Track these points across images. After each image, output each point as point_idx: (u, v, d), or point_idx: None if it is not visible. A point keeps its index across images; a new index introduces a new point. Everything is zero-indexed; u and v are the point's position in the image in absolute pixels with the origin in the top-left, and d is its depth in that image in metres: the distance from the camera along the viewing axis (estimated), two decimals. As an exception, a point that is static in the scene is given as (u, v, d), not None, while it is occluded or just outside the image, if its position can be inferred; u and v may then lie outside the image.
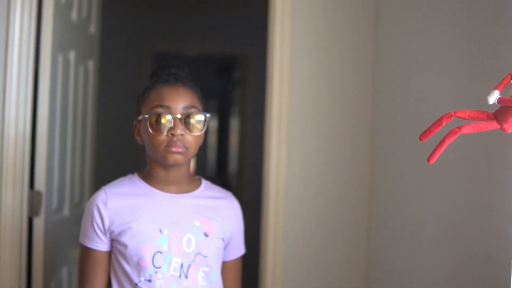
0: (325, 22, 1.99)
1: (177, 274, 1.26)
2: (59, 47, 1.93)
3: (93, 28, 2.37)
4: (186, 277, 1.27)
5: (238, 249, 1.42)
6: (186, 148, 1.26)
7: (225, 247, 1.38)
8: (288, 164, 1.96)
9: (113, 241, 1.29)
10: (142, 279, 1.24)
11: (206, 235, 1.30)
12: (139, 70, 3.81)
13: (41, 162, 1.84)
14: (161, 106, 1.26)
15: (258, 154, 2.42)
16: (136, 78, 3.73)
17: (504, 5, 1.13)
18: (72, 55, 2.09)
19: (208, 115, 1.30)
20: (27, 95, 1.80)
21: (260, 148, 2.18)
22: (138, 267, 1.25)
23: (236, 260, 1.42)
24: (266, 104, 2.03)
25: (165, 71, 1.35)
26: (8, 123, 1.76)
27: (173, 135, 1.24)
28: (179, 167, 1.30)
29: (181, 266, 1.26)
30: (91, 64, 2.35)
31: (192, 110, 1.28)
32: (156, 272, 1.24)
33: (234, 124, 5.55)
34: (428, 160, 0.79)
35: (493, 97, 0.75)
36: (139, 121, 1.31)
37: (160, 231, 1.26)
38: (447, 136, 0.78)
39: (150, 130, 1.25)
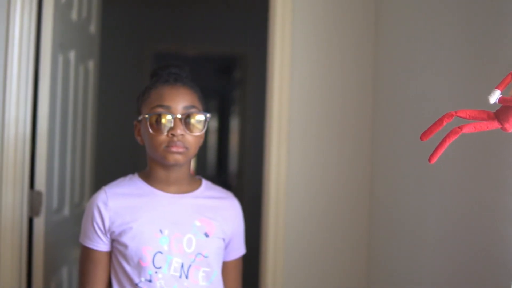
0: (326, 22, 1.99)
1: (178, 274, 1.26)
2: (59, 47, 1.93)
3: (93, 28, 2.37)
4: (186, 277, 1.27)
5: (239, 249, 1.42)
6: (186, 148, 1.26)
7: (226, 247, 1.37)
8: (288, 164, 1.96)
9: (113, 241, 1.29)
10: (143, 279, 1.24)
11: (206, 235, 1.30)
12: (139, 70, 3.81)
13: (41, 162, 1.84)
14: (161, 106, 1.26)
15: (258, 154, 2.42)
16: (136, 78, 3.73)
17: (504, 5, 1.12)
18: (72, 55, 2.09)
19: (208, 115, 1.30)
20: (27, 95, 1.80)
21: (260, 148, 2.18)
22: (139, 267, 1.24)
23: (237, 260, 1.42)
24: (266, 104, 2.03)
25: (166, 71, 1.35)
26: (8, 123, 1.76)
27: (173, 135, 1.24)
28: (179, 167, 1.30)
29: (182, 266, 1.26)
30: (91, 64, 2.35)
31: (193, 110, 1.28)
32: (156, 272, 1.24)
33: (234, 124, 5.56)
34: (429, 160, 0.79)
35: (494, 97, 0.75)
36: (140, 121, 1.31)
37: (161, 231, 1.26)
38: (448, 136, 0.78)
39: (150, 130, 1.25)
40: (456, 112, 0.78)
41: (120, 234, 1.26)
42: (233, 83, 5.57)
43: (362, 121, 1.98)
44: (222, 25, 3.93)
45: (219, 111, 6.41)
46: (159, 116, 1.25)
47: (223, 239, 1.34)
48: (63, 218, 2.05)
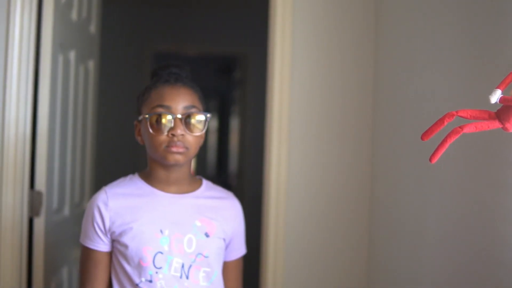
0: (326, 22, 1.99)
1: (178, 274, 1.26)
2: (59, 47, 1.93)
3: (93, 28, 2.37)
4: (187, 277, 1.26)
5: (239, 249, 1.42)
6: (187, 148, 1.26)
7: (226, 247, 1.37)
8: (288, 164, 1.96)
9: (113, 241, 1.28)
10: (143, 279, 1.24)
11: (207, 235, 1.30)
12: (139, 70, 3.81)
13: (42, 162, 1.84)
14: (161, 106, 1.26)
15: (259, 154, 2.42)
16: (136, 78, 3.73)
17: (504, 5, 1.12)
18: (72, 55, 2.09)
19: (208, 115, 1.30)
20: (27, 95, 1.79)
21: (261, 148, 2.18)
22: (139, 267, 1.24)
23: (237, 260, 1.42)
24: (266, 104, 2.02)
25: (166, 71, 1.35)
26: (8, 123, 1.76)
27: (173, 135, 1.24)
28: (179, 167, 1.30)
29: (182, 266, 1.26)
30: (91, 64, 2.35)
31: (193, 110, 1.27)
32: (157, 272, 1.24)
33: (234, 124, 5.55)
34: (430, 160, 0.79)
35: (495, 97, 0.74)
36: (140, 121, 1.31)
37: (161, 231, 1.26)
38: (449, 135, 0.77)
39: (151, 130, 1.25)
40: (457, 112, 0.78)
41: (121, 234, 1.26)
42: (233, 83, 5.57)
43: (363, 121, 1.98)
44: (222, 25, 3.93)
45: (219, 111, 6.41)
46: (159, 116, 1.24)
47: (224, 239, 1.34)
48: (63, 218, 2.05)
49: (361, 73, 1.99)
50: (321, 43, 1.98)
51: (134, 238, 1.25)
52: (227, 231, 1.35)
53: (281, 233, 1.96)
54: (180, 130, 1.24)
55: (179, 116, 1.25)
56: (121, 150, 3.57)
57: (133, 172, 1.37)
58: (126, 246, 1.25)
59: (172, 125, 1.24)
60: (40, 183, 1.84)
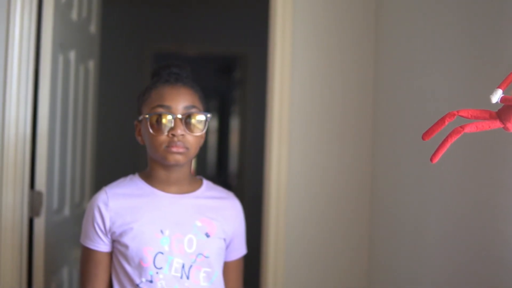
0: (326, 22, 1.99)
1: (179, 275, 1.26)
2: (60, 47, 1.93)
3: (93, 28, 2.37)
4: (187, 277, 1.26)
5: (240, 249, 1.42)
6: (187, 148, 1.26)
7: (227, 247, 1.37)
8: (289, 164, 1.96)
9: (114, 242, 1.28)
10: (144, 280, 1.24)
11: (207, 235, 1.29)
12: (139, 70, 3.81)
13: (42, 162, 1.84)
14: (161, 106, 1.26)
15: (259, 154, 2.42)
16: (136, 78, 3.73)
17: (504, 5, 1.12)
18: (72, 55, 2.09)
19: (209, 115, 1.29)
20: (27, 95, 1.79)
21: (261, 148, 2.18)
22: (140, 268, 1.24)
23: (238, 260, 1.42)
24: (266, 104, 2.02)
25: (166, 70, 1.34)
26: (8, 123, 1.76)
27: (173, 135, 1.24)
28: (180, 168, 1.30)
29: (183, 266, 1.26)
30: (91, 64, 2.34)
31: (193, 110, 1.27)
32: (157, 273, 1.24)
33: (234, 124, 5.55)
34: (431, 160, 0.79)
35: (496, 96, 0.74)
36: (140, 121, 1.31)
37: (161, 231, 1.26)
38: (450, 135, 0.77)
39: (151, 130, 1.25)
40: (458, 112, 0.78)
41: (121, 234, 1.26)
42: (233, 83, 5.57)
43: (363, 121, 1.98)
44: (222, 25, 3.93)
45: (219, 111, 6.41)
46: (159, 116, 1.24)
47: (224, 239, 1.34)
48: (63, 218, 2.05)
49: (361, 73, 1.98)
50: (321, 43, 1.98)
51: (135, 239, 1.24)
52: (228, 231, 1.34)
53: (282, 233, 1.95)
54: (180, 130, 1.23)
55: (179, 116, 1.25)
56: (121, 150, 3.57)
57: (133, 172, 1.37)
58: (126, 247, 1.25)
59: (172, 125, 1.24)
60: (40, 183, 1.84)
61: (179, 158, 1.25)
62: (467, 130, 0.77)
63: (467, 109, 0.78)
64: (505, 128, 0.77)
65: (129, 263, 1.25)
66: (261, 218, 2.05)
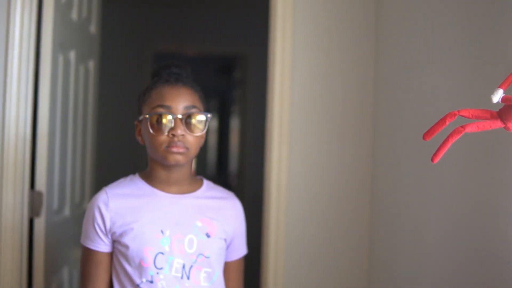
0: (326, 22, 1.99)
1: (179, 275, 1.26)
2: (60, 47, 1.93)
3: (93, 28, 2.37)
4: (188, 278, 1.26)
5: (240, 250, 1.42)
6: (187, 148, 1.25)
7: (227, 247, 1.37)
8: (289, 164, 1.96)
9: (114, 242, 1.28)
10: (144, 280, 1.24)
11: (208, 235, 1.29)
12: (139, 70, 3.81)
13: (42, 162, 1.84)
14: (162, 106, 1.26)
15: (259, 154, 2.42)
16: (136, 78, 3.73)
17: (504, 5, 1.12)
18: (72, 55, 2.09)
19: (209, 115, 1.29)
20: (27, 95, 1.79)
21: (261, 148, 2.18)
22: (140, 268, 1.24)
23: (238, 260, 1.42)
24: (267, 104, 2.02)
25: (166, 70, 1.34)
26: (8, 123, 1.76)
27: (173, 135, 1.23)
28: (180, 168, 1.30)
29: (183, 267, 1.26)
30: (91, 64, 2.34)
31: (193, 110, 1.27)
32: (158, 273, 1.24)
33: (234, 124, 5.55)
34: (432, 160, 0.79)
35: (497, 96, 0.74)
36: (140, 121, 1.31)
37: (162, 232, 1.26)
38: (450, 135, 0.77)
39: (151, 130, 1.25)
40: (458, 112, 0.78)
41: (121, 235, 1.25)
42: (233, 83, 5.57)
43: (363, 120, 1.98)
44: (222, 25, 3.93)
45: (219, 111, 6.41)
46: (159, 116, 1.24)
47: (225, 240, 1.34)
48: (63, 219, 2.05)
49: (361, 73, 1.98)
50: (321, 43, 1.98)
51: (135, 239, 1.24)
52: (228, 231, 1.34)
53: (282, 233, 1.95)
54: (180, 130, 1.23)
55: (179, 116, 1.25)
56: (121, 150, 3.57)
57: (133, 173, 1.37)
58: (127, 247, 1.25)
59: (173, 125, 1.24)
60: (41, 184, 1.84)
61: (179, 158, 1.25)
62: (468, 130, 0.77)
63: (468, 109, 0.78)
64: (506, 128, 0.77)
65: (129, 263, 1.25)
66: (261, 218, 2.05)
